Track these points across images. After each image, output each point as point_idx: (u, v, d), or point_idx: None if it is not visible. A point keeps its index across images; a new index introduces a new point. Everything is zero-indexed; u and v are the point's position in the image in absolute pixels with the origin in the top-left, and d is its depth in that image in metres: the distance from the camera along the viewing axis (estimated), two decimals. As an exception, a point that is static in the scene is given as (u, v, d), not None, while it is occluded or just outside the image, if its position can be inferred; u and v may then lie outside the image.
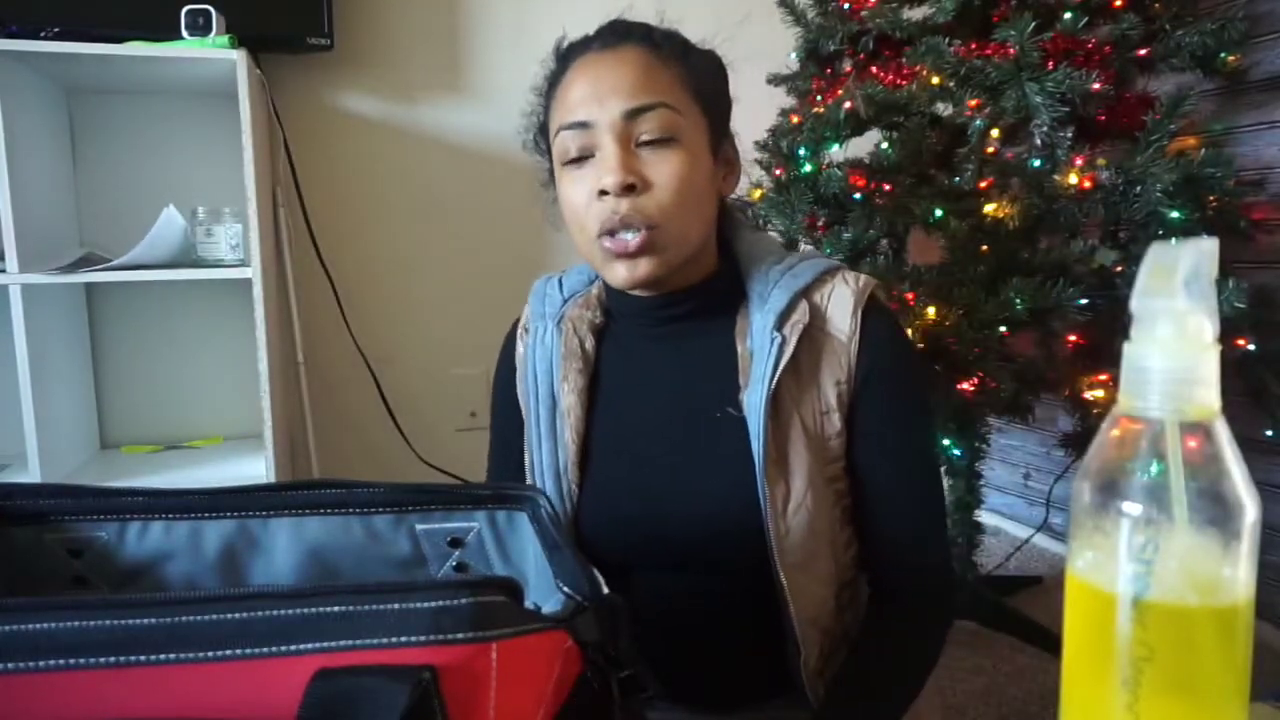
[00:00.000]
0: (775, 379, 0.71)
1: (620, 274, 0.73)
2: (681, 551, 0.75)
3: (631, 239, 0.70)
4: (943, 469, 1.83)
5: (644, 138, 0.71)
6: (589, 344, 0.81)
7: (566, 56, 0.76)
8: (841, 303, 0.75)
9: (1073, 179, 1.49)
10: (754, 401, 0.72)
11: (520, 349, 0.85)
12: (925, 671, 0.76)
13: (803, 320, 0.73)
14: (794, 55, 1.92)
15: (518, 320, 0.88)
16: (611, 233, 0.71)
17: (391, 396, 1.95)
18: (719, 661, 0.78)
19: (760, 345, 0.73)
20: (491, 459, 0.91)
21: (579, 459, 0.78)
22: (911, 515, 0.77)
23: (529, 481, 0.83)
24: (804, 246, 1.75)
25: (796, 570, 0.72)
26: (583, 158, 0.72)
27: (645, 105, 0.70)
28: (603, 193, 0.70)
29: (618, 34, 0.74)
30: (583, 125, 0.71)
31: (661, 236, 0.71)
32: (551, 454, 0.79)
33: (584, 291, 0.85)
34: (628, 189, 0.70)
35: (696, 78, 0.74)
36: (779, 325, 0.73)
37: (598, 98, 0.71)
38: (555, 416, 0.80)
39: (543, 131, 0.79)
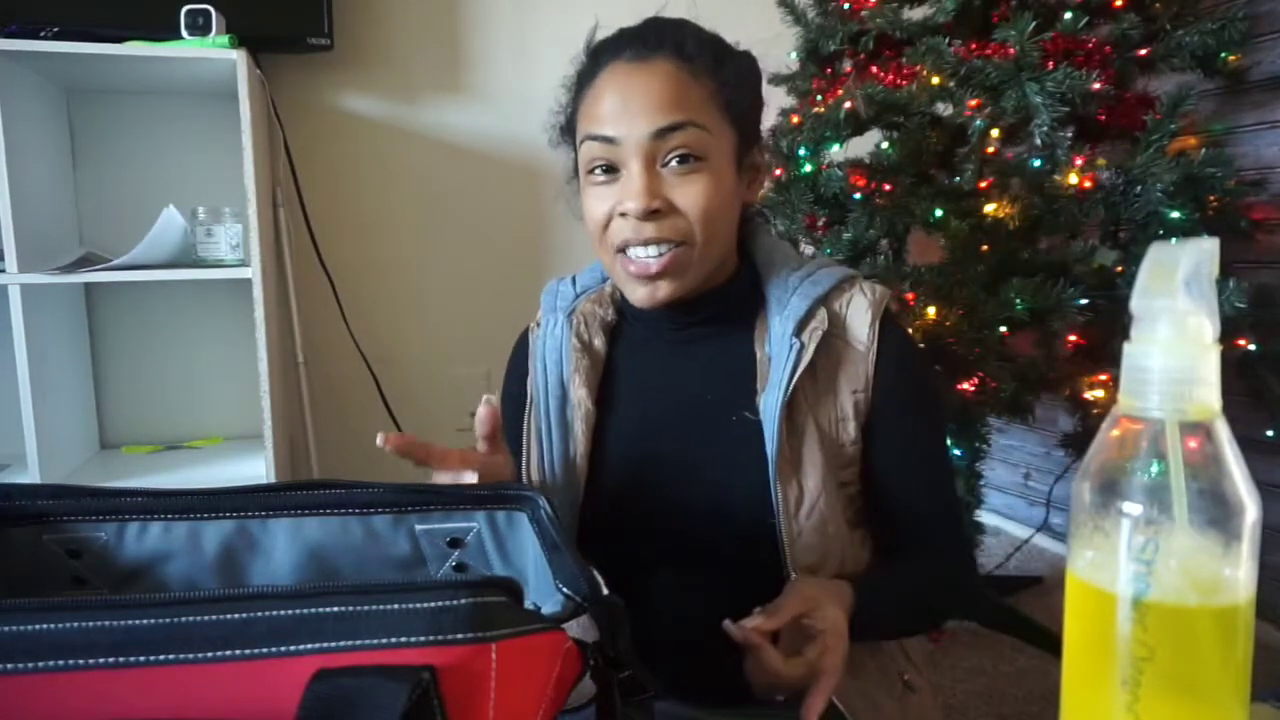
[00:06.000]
0: (792, 384, 0.72)
1: (640, 295, 0.74)
2: (693, 547, 0.75)
3: (654, 262, 0.71)
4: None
5: (670, 157, 0.70)
6: (599, 341, 0.81)
7: (598, 56, 0.75)
8: (859, 313, 0.76)
9: (1073, 179, 1.49)
10: (769, 404, 0.73)
11: (532, 342, 0.85)
12: (938, 605, 0.81)
13: (821, 327, 0.74)
14: (794, 55, 1.92)
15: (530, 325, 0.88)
16: (629, 248, 0.72)
17: (391, 396, 1.95)
18: (728, 658, 0.78)
19: (779, 351, 0.74)
20: None
21: (590, 451, 0.78)
22: (935, 509, 0.79)
23: (532, 475, 0.83)
24: (805, 247, 1.75)
25: (810, 571, 0.72)
26: (608, 171, 0.72)
27: (673, 124, 0.70)
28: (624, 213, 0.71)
29: (649, 45, 0.72)
30: (609, 140, 0.71)
31: (685, 256, 0.72)
32: (562, 444, 0.79)
33: (597, 288, 0.85)
34: (652, 214, 0.70)
35: (728, 90, 0.73)
36: (798, 331, 0.73)
37: (627, 114, 0.70)
38: (566, 408, 0.80)
39: (569, 126, 0.78)
